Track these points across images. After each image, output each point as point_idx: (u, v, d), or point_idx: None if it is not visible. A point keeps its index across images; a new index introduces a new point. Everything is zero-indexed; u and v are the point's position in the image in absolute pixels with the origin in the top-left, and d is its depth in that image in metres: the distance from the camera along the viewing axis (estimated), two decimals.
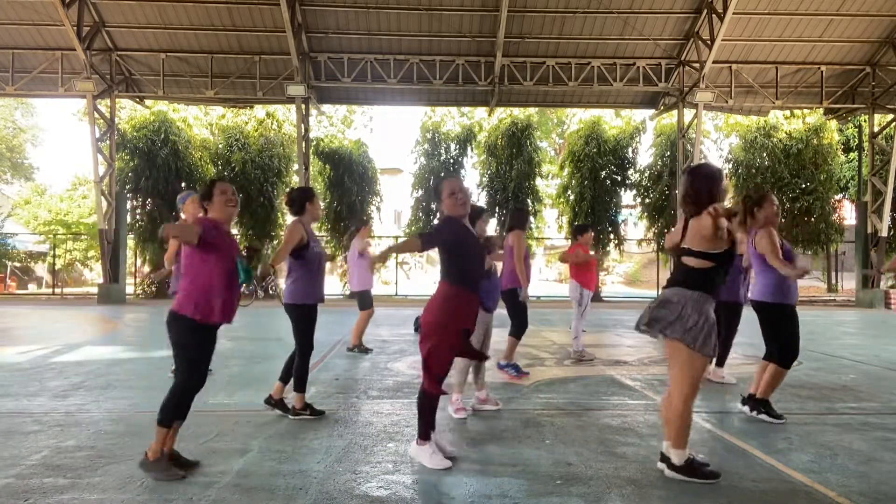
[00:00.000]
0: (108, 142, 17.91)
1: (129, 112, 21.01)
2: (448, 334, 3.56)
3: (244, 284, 3.61)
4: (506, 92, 18.70)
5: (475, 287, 3.73)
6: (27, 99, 35.51)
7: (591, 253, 7.91)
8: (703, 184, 3.39)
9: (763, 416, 4.71)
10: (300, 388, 4.70)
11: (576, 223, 20.69)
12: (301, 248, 4.64)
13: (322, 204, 22.39)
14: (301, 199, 4.76)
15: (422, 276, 34.97)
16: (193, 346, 3.44)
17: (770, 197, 4.58)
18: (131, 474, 3.42)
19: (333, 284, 19.97)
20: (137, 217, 20.22)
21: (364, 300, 8.09)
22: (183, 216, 6.38)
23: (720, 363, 6.23)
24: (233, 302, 3.54)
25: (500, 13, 16.03)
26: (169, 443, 3.43)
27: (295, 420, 4.61)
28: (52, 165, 58.46)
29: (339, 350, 8.33)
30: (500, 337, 6.72)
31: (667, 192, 20.46)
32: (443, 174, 20.79)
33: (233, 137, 21.01)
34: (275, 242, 20.66)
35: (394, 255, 3.79)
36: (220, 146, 21.28)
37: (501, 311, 5.82)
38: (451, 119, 21.86)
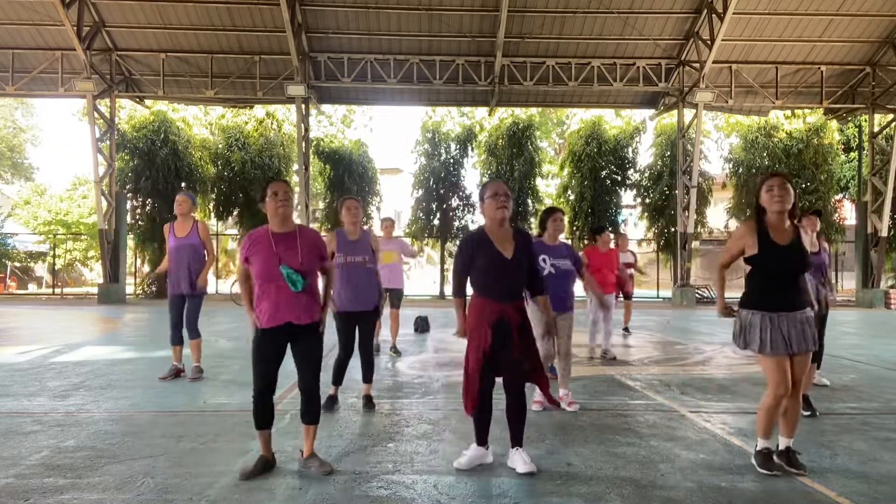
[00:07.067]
0: (108, 142, 17.90)
1: (129, 112, 21.00)
2: (470, 342, 3.59)
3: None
4: (506, 92, 18.69)
5: (493, 295, 3.54)
6: (27, 99, 35.54)
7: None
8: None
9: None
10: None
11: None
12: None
13: (322, 204, 22.47)
14: None
15: (421, 276, 34.92)
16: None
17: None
18: (131, 474, 3.42)
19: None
20: (137, 217, 20.20)
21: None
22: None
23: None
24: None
25: (500, 13, 16.02)
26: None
27: (294, 420, 4.62)
28: (52, 165, 58.49)
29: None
30: None
31: (667, 192, 20.45)
32: (443, 174, 20.80)
33: (233, 137, 21.00)
34: None
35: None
36: (220, 146, 21.26)
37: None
38: (451, 119, 21.86)
